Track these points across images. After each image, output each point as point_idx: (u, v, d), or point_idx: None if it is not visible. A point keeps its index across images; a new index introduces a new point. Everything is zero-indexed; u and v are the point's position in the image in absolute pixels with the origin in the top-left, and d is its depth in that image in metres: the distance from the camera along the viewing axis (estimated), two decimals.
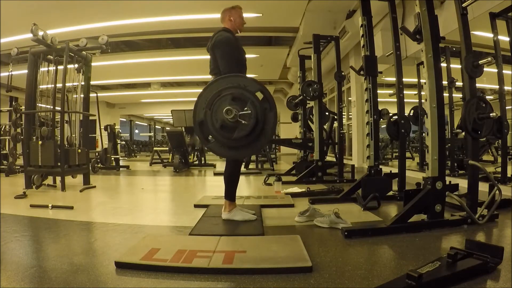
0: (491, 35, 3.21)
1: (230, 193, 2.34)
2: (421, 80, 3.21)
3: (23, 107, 4.62)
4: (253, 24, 6.06)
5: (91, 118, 4.66)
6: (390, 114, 3.31)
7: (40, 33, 3.80)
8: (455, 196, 2.14)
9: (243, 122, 1.55)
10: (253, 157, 7.17)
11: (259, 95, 1.60)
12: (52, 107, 4.10)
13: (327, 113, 5.23)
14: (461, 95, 3.99)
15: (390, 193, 3.12)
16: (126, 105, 15.58)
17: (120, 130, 12.59)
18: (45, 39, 3.88)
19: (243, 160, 2.34)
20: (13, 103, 6.89)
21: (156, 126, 22.87)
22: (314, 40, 4.72)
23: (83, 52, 4.28)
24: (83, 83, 4.43)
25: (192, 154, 7.72)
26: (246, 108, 1.56)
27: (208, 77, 2.32)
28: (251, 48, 7.76)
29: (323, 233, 2.08)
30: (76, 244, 1.94)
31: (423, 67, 2.16)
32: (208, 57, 2.42)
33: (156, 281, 1.37)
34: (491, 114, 2.19)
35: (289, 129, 12.31)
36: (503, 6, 3.08)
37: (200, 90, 1.68)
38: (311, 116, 5.43)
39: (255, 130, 1.59)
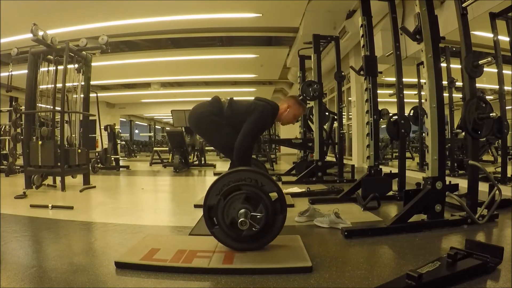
0: (491, 35, 3.21)
1: None
2: (421, 80, 3.20)
3: (23, 107, 4.62)
4: (253, 24, 6.07)
5: (91, 118, 4.66)
6: (390, 114, 3.31)
7: (40, 33, 3.80)
8: (455, 196, 2.14)
9: (254, 228, 1.56)
10: (253, 157, 7.16)
11: (273, 195, 1.64)
12: (52, 107, 4.09)
13: (327, 113, 5.23)
14: (461, 95, 3.99)
15: (390, 193, 3.12)
16: (126, 105, 15.56)
17: (120, 130, 12.58)
18: (45, 39, 3.88)
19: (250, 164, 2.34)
20: (13, 103, 6.90)
21: (156, 126, 22.86)
22: (314, 40, 4.72)
23: (83, 52, 4.28)
24: (83, 83, 4.42)
25: (192, 154, 7.72)
26: (258, 215, 1.57)
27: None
28: (251, 48, 7.77)
29: (323, 233, 2.08)
30: (76, 244, 1.94)
31: (423, 67, 2.16)
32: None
33: (156, 281, 1.37)
34: (491, 114, 2.19)
35: (289, 129, 12.28)
36: (503, 6, 3.08)
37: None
38: (311, 116, 5.43)
39: (262, 230, 1.60)
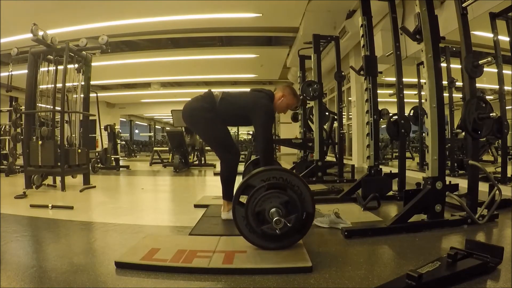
0: (491, 35, 3.21)
1: (228, 192, 2.33)
2: (421, 80, 3.20)
3: (23, 107, 4.62)
4: (253, 24, 6.07)
5: (91, 118, 4.66)
6: (390, 114, 3.31)
7: (40, 33, 3.80)
8: (455, 196, 2.14)
9: (277, 230, 1.55)
10: (253, 157, 7.16)
11: None
12: (52, 107, 4.09)
13: (327, 113, 5.23)
14: (461, 95, 3.98)
15: (390, 193, 3.12)
16: (126, 105, 15.56)
17: (120, 130, 12.58)
18: (45, 39, 3.88)
19: (238, 160, 2.35)
20: (13, 103, 6.90)
21: (156, 126, 22.86)
22: (314, 40, 4.72)
23: (83, 52, 4.28)
24: (83, 83, 4.42)
25: (192, 154, 7.72)
26: (287, 223, 1.56)
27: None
28: (251, 48, 7.76)
29: (323, 233, 2.08)
30: (76, 244, 1.94)
31: (423, 67, 2.16)
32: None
33: (156, 281, 1.37)
34: (491, 114, 2.19)
35: (289, 129, 12.30)
36: (503, 6, 3.08)
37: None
38: (311, 116, 5.42)
39: (278, 236, 1.59)
